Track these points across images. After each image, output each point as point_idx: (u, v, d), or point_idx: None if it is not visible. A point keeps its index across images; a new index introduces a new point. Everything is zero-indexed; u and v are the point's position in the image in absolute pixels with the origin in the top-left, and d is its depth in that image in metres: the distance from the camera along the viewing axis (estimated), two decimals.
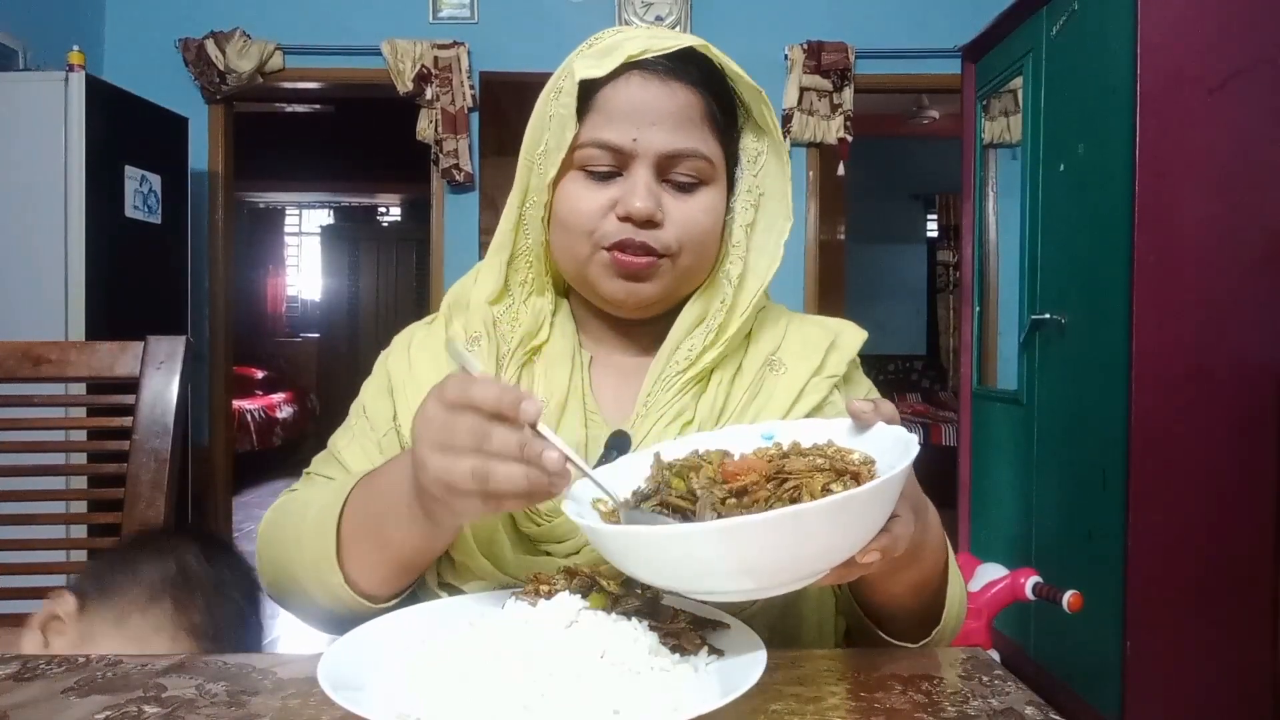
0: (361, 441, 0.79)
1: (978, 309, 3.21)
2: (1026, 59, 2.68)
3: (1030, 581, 2.18)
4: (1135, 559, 2.03)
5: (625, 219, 0.72)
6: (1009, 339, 3.10)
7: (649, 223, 0.72)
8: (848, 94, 3.88)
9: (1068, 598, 2.06)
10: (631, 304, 0.76)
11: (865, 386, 0.85)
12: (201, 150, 3.85)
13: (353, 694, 0.49)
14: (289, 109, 6.66)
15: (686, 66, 0.74)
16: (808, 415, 0.76)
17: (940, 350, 7.03)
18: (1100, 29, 2.24)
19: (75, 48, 3.10)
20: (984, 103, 3.18)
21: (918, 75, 3.98)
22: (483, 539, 0.70)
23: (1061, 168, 2.45)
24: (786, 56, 3.88)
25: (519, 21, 3.94)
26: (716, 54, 0.75)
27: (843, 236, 5.30)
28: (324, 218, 8.65)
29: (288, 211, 8.71)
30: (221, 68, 3.80)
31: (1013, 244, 2.86)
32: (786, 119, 3.87)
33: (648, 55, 0.72)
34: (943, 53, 3.74)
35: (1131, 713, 2.03)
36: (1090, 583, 2.13)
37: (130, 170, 3.18)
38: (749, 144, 0.81)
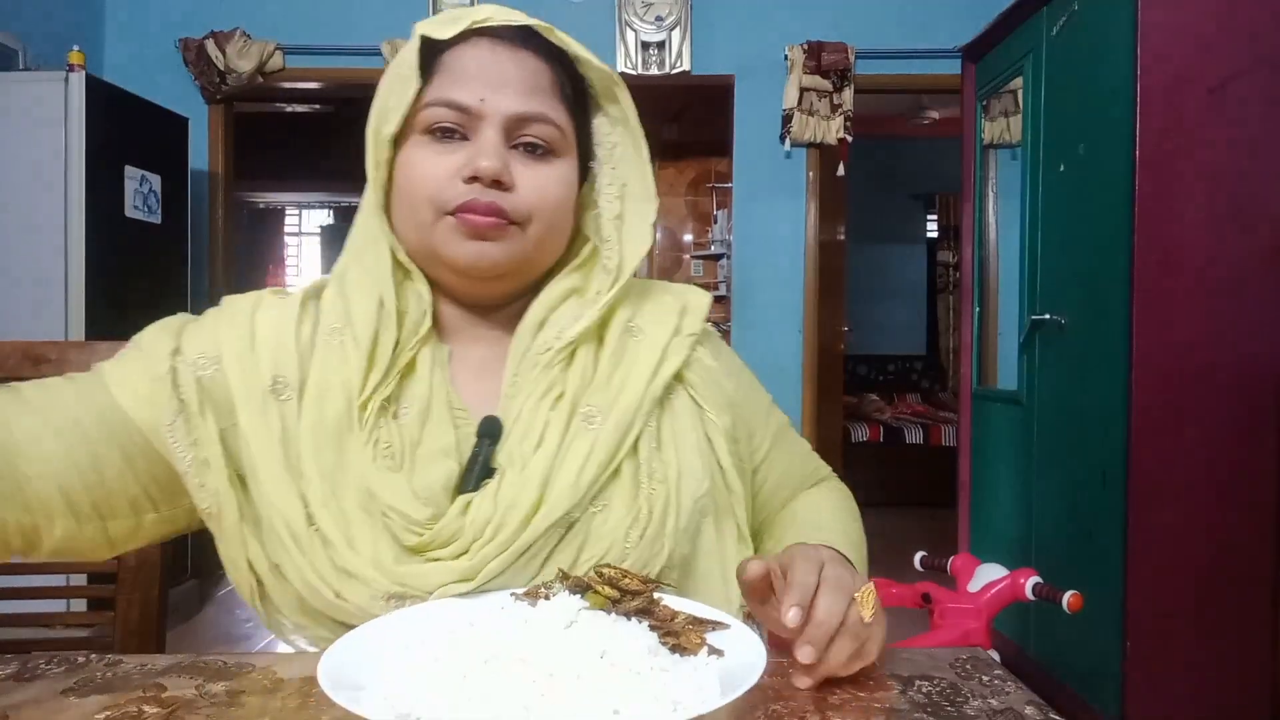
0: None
1: (978, 309, 3.21)
2: (1026, 59, 2.68)
3: (1030, 581, 2.17)
4: (1135, 559, 2.03)
5: (473, 179, 0.69)
6: (1009, 339, 3.10)
7: (498, 184, 0.70)
8: (848, 94, 3.87)
9: (1068, 598, 2.05)
10: (482, 268, 0.72)
11: (764, 401, 0.88)
12: (201, 150, 3.84)
13: (353, 694, 0.49)
14: (289, 109, 6.66)
15: (536, 39, 0.73)
16: (674, 375, 0.77)
17: (940, 350, 7.03)
18: (1100, 29, 2.24)
19: (75, 48, 3.09)
20: (984, 103, 3.18)
21: (918, 75, 3.98)
22: (366, 552, 0.67)
23: (1061, 168, 2.45)
24: (786, 56, 3.87)
25: None
26: (560, 36, 0.74)
27: (843, 236, 5.30)
28: (324, 218, 8.65)
29: (288, 211, 8.70)
30: (221, 68, 3.80)
31: (1013, 244, 2.86)
32: (786, 119, 3.87)
33: (491, 24, 0.72)
34: (943, 53, 3.74)
35: (1131, 713, 2.03)
36: (1090, 583, 2.13)
37: (130, 170, 3.18)
38: (603, 131, 0.79)
